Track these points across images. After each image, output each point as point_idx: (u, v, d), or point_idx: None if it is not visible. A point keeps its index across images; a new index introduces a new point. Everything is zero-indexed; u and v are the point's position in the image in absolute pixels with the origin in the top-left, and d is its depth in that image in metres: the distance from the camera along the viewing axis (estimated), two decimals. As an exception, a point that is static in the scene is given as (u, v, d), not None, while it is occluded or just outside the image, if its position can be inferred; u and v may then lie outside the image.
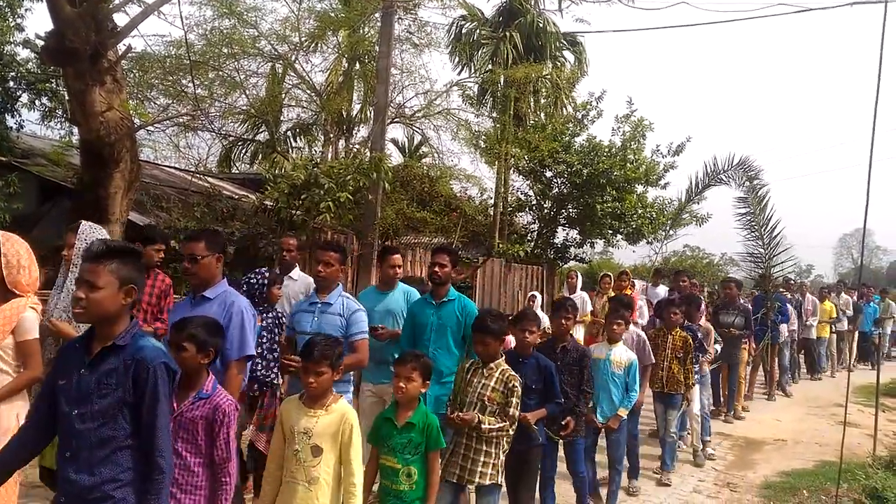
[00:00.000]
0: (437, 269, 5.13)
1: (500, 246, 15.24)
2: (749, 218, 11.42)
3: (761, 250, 11.20)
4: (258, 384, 5.04)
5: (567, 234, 18.41)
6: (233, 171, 16.38)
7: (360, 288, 10.42)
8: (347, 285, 10.44)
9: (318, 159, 14.17)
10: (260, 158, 16.75)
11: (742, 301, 9.77)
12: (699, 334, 7.67)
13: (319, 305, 4.64)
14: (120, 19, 6.88)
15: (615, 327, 5.92)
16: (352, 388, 4.88)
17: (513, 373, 4.29)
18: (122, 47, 7.20)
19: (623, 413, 5.73)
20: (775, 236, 11.19)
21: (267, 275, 5.34)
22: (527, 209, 18.51)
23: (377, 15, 12.34)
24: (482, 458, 4.18)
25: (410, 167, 15.83)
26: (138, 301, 2.93)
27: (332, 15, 13.68)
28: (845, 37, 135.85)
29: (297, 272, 6.38)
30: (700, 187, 12.60)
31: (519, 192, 18.37)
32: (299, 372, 3.73)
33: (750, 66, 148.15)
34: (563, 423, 5.05)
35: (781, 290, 11.79)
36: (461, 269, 14.01)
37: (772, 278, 11.33)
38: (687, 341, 6.85)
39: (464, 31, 17.84)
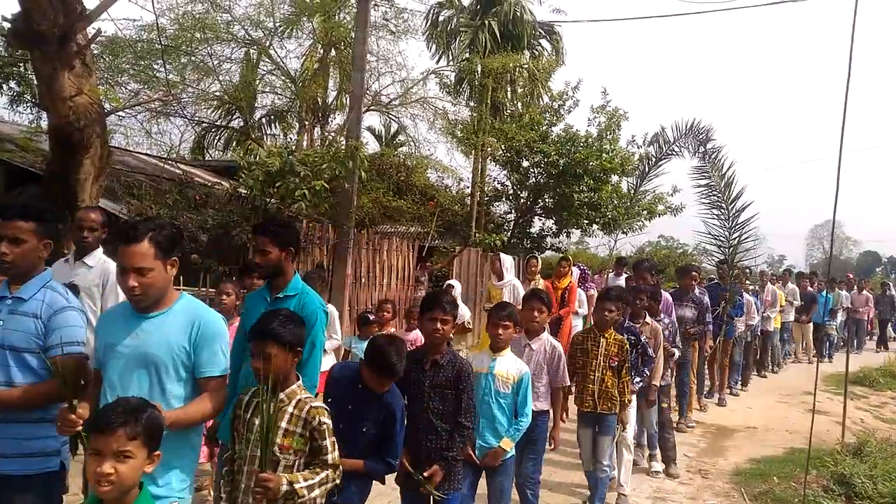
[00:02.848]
0: (258, 257, 3.75)
1: (477, 235, 15.23)
2: (709, 190, 10.11)
3: (726, 233, 9.93)
4: None
5: (543, 223, 18.47)
6: (206, 158, 16.20)
7: (335, 282, 10.35)
8: (323, 274, 10.37)
9: (293, 147, 14.07)
10: (234, 145, 16.59)
11: (698, 292, 8.69)
12: (641, 337, 5.99)
13: (9, 302, 3.04)
14: (89, 2, 6.72)
15: (500, 332, 4.40)
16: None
17: (317, 403, 3.01)
18: (91, 30, 7.04)
19: (507, 445, 4.27)
20: (740, 210, 9.77)
21: None
22: (503, 199, 18.54)
23: (353, 0, 12.23)
24: None
25: (387, 156, 15.77)
26: None
27: (308, 0, 13.54)
28: (815, 29, 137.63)
29: (95, 256, 4.77)
30: (654, 162, 11.39)
31: (496, 182, 18.39)
32: None
33: (724, 57, 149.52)
34: (425, 475, 3.75)
35: (737, 281, 10.58)
36: (438, 258, 14.04)
37: (735, 265, 10.09)
38: (623, 346, 5.41)
39: (441, 18, 17.78)
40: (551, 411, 4.98)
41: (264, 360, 2.88)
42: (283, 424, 2.91)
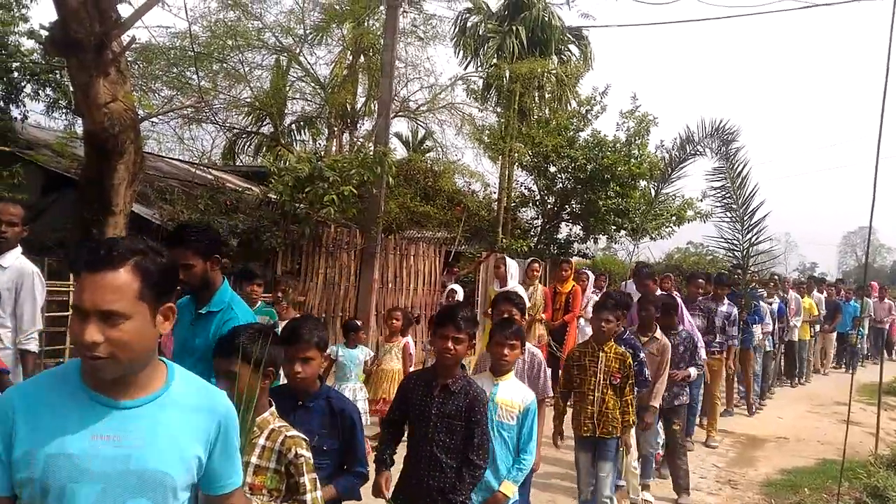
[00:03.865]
0: (182, 274, 3.05)
1: (504, 241, 15.23)
2: (724, 193, 9.71)
3: (739, 236, 9.49)
4: None
5: (570, 229, 18.43)
6: (237, 164, 16.41)
7: (362, 287, 10.41)
8: (351, 279, 10.45)
9: (322, 153, 14.19)
10: (264, 151, 16.78)
11: (727, 305, 8.28)
12: (640, 353, 5.32)
13: None
14: (124, 10, 6.84)
15: (505, 352, 3.74)
16: None
17: (294, 433, 2.60)
18: (126, 38, 7.17)
19: (509, 491, 3.61)
20: (753, 211, 9.33)
21: None
22: (530, 204, 18.52)
23: (382, 7, 12.33)
24: None
25: (414, 161, 15.85)
26: None
27: (338, 7, 13.70)
28: (850, 33, 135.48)
29: (11, 256, 4.18)
30: (677, 162, 10.75)
31: (523, 187, 18.38)
32: None
33: (755, 61, 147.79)
34: None
35: (758, 287, 10.17)
36: (465, 264, 14.05)
37: (749, 270, 9.71)
38: (626, 361, 4.77)
39: (469, 24, 17.81)
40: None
41: (228, 381, 2.39)
42: (254, 460, 2.47)
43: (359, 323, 7.01)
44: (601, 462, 4.76)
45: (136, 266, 1.65)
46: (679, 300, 7.13)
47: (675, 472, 6.20)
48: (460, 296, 7.94)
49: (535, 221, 18.69)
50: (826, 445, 8.37)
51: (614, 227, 17.04)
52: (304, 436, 2.60)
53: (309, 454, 2.56)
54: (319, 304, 10.08)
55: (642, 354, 5.33)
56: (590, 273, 10.05)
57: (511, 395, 3.71)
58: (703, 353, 6.67)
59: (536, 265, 8.83)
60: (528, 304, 7.14)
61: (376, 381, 6.85)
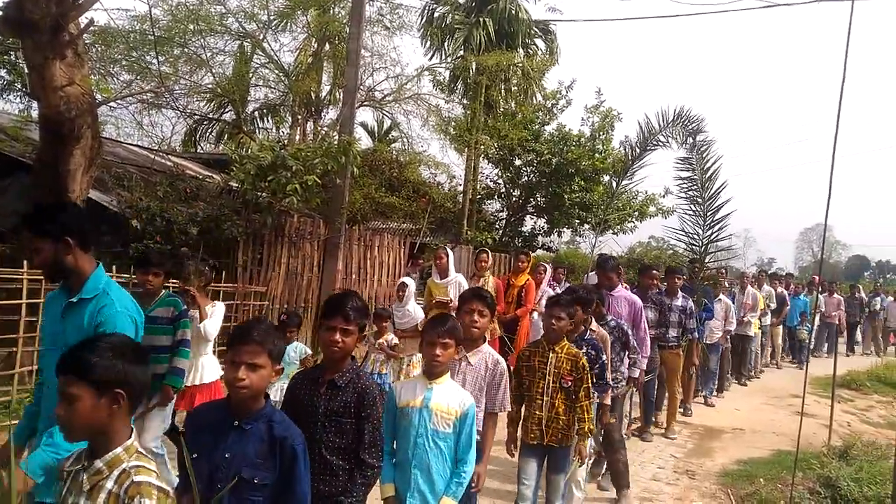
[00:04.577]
0: (34, 257, 2.96)
1: (469, 233, 15.25)
2: (691, 185, 9.59)
3: (699, 230, 9.45)
4: None
5: (535, 222, 18.56)
6: (197, 151, 16.15)
7: (326, 274, 10.34)
8: (314, 269, 10.36)
9: (286, 141, 14.04)
10: (225, 138, 16.56)
11: (656, 293, 8.03)
12: (603, 355, 4.99)
13: None
14: (82, -9, 6.65)
15: (437, 353, 3.37)
16: None
17: (142, 477, 2.00)
18: (84, 20, 6.98)
19: None
20: (718, 208, 9.24)
21: None
22: (495, 197, 18.59)
23: (348, -4, 12.24)
24: None
25: (380, 151, 15.78)
26: None
27: (303, -6, 13.54)
28: (809, 33, 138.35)
29: None
30: (638, 151, 10.43)
31: (488, 180, 18.44)
32: None
33: (718, 59, 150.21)
34: None
35: (708, 283, 10.10)
36: (429, 255, 14.06)
37: (706, 265, 9.63)
38: (578, 363, 4.35)
39: (436, 14, 17.76)
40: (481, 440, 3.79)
41: (68, 405, 1.97)
42: (101, 499, 1.99)
43: (283, 318, 6.52)
44: (552, 475, 4.41)
45: None
46: (633, 296, 6.95)
47: (613, 467, 5.88)
48: (412, 288, 7.58)
49: (500, 214, 18.78)
50: (781, 437, 8.55)
51: (578, 221, 17.19)
52: (159, 483, 2.02)
53: (158, 497, 1.98)
54: (282, 295, 9.99)
55: (604, 357, 5.02)
56: (547, 266, 9.90)
57: (447, 400, 3.37)
58: (625, 368, 6.00)
59: (485, 255, 8.55)
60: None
61: None
